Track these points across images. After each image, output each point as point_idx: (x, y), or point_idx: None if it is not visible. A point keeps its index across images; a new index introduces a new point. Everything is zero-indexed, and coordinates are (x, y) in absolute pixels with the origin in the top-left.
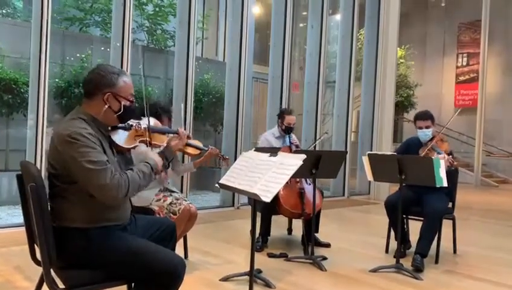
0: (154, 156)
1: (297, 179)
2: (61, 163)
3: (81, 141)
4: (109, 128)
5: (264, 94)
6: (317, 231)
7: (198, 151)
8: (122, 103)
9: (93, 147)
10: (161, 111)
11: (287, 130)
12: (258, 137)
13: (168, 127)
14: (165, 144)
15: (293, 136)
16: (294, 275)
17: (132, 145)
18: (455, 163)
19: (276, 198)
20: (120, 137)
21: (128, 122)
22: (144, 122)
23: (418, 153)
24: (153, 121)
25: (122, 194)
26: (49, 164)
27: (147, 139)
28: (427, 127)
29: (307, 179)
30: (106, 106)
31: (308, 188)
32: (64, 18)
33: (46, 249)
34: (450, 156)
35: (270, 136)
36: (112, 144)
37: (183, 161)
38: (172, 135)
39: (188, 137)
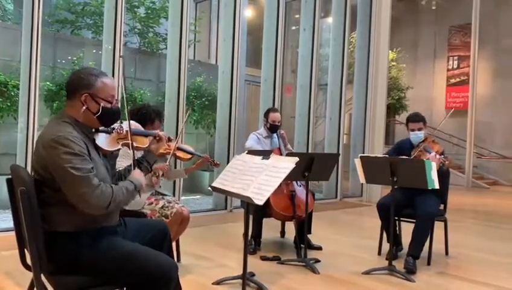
0: (139, 177)
1: (288, 181)
2: (45, 168)
3: (67, 145)
4: (93, 130)
5: (256, 97)
6: (309, 232)
7: (189, 156)
8: (102, 104)
9: (78, 154)
10: (154, 114)
11: (273, 128)
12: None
13: (160, 130)
14: (147, 147)
15: (281, 130)
16: (287, 278)
17: (115, 148)
18: (447, 162)
19: (267, 201)
20: (103, 140)
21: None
22: (126, 125)
23: (410, 155)
24: (134, 124)
25: (104, 205)
26: (34, 170)
27: (130, 141)
28: (419, 129)
29: (297, 181)
30: (84, 107)
31: (299, 190)
32: (55, 20)
33: (36, 254)
34: (442, 156)
35: (258, 135)
36: (97, 147)
37: (175, 167)
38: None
39: (169, 139)
